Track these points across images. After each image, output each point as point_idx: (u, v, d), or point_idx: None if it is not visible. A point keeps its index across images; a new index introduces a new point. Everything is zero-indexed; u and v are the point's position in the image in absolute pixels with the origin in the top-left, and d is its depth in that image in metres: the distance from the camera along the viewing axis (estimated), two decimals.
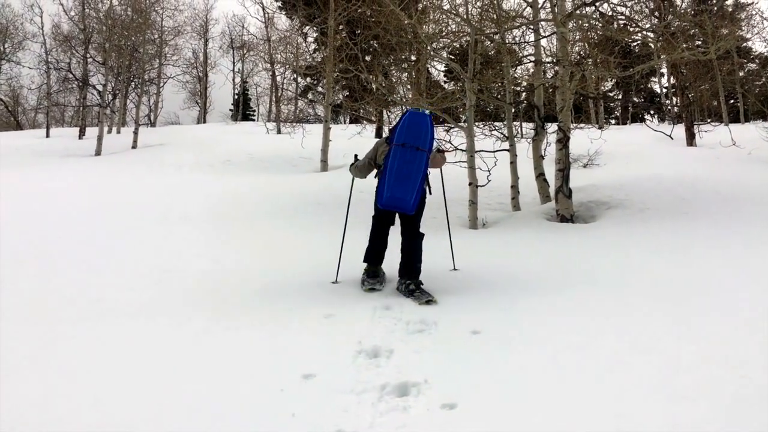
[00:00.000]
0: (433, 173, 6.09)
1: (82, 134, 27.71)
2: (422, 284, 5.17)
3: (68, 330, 4.22)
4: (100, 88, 24.25)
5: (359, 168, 5.76)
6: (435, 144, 5.70)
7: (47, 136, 29.26)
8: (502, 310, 4.52)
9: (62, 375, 3.44)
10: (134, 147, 22.73)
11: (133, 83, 29.32)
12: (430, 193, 5.55)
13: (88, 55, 25.60)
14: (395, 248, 5.46)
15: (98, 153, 20.99)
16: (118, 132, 30.41)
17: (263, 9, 28.85)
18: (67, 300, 5.01)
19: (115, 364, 3.58)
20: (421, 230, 5.52)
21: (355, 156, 5.94)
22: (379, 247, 5.51)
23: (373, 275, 5.36)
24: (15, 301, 4.98)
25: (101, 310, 4.72)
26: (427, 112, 5.77)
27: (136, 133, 23.48)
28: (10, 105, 43.58)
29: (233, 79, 47.58)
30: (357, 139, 15.63)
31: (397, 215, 5.51)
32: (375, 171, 5.62)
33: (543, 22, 10.60)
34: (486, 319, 4.28)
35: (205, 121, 45.09)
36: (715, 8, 13.55)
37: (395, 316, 4.45)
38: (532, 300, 4.79)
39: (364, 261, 5.46)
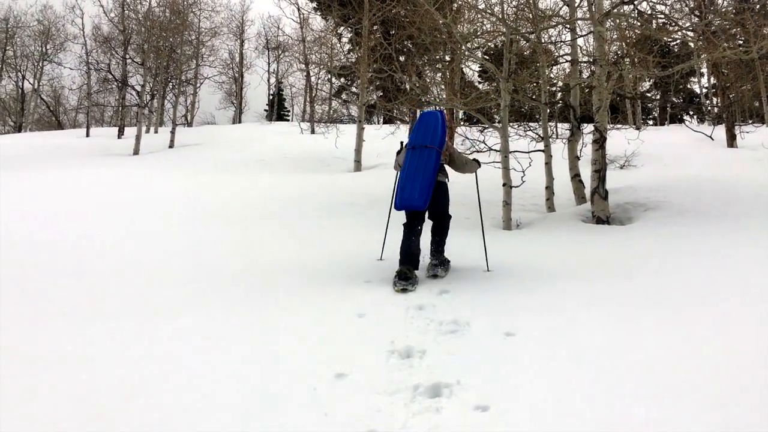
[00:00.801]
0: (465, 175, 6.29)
1: (120, 134, 28.29)
2: (445, 261, 5.80)
3: (109, 325, 4.30)
4: (138, 88, 24.74)
5: (398, 163, 6.14)
6: (461, 149, 6.04)
7: (87, 135, 29.96)
8: (536, 312, 4.47)
9: (101, 370, 3.51)
10: (171, 146, 23.14)
11: (170, 84, 29.80)
12: (449, 180, 5.99)
13: (127, 56, 26.09)
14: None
15: (136, 152, 21.41)
16: (156, 132, 30.99)
17: (298, 10, 29.01)
18: (101, 297, 5.11)
19: (144, 360, 3.63)
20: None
21: (401, 143, 6.29)
22: (410, 249, 5.58)
23: (404, 277, 5.29)
24: (51, 298, 5.10)
25: (138, 308, 4.80)
26: (440, 109, 6.16)
27: (173, 132, 23.91)
28: (52, 105, 44.76)
29: (268, 80, 48.07)
30: (390, 140, 15.65)
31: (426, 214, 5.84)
32: None
33: (580, 21, 10.48)
34: (520, 320, 4.23)
35: (240, 121, 45.65)
36: (758, 6, 13.22)
37: (428, 317, 4.43)
38: (566, 302, 4.73)
39: (400, 264, 5.44)
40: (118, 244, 7.40)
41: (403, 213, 5.80)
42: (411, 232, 5.66)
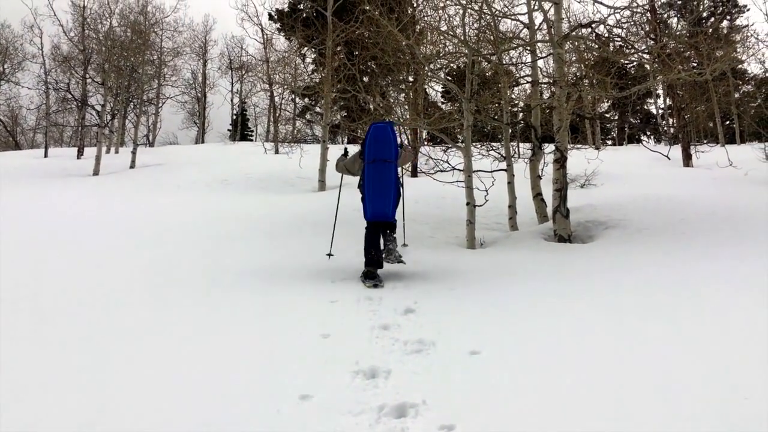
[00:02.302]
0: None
1: (80, 154, 27.81)
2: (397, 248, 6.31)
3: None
4: (98, 108, 24.38)
5: (346, 166, 6.89)
6: (400, 143, 6.62)
7: (45, 156, 29.34)
8: (500, 330, 4.49)
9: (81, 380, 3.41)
10: (132, 167, 22.80)
11: (131, 103, 29.45)
12: (402, 188, 6.70)
13: (87, 76, 25.74)
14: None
15: (96, 173, 21.04)
16: (117, 152, 30.53)
17: (262, 30, 29.23)
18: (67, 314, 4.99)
19: (113, 379, 3.55)
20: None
21: (345, 149, 6.96)
22: (376, 251, 6.34)
23: (372, 276, 6.16)
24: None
25: (100, 329, 4.69)
26: (388, 121, 6.84)
27: (134, 153, 23.57)
28: (9, 125, 43.80)
29: (232, 100, 47.92)
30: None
31: None
32: (359, 180, 6.62)
33: (540, 44, 10.69)
34: (484, 339, 4.25)
35: (203, 141, 45.32)
36: (711, 30, 13.66)
37: (393, 336, 4.42)
38: (530, 320, 4.76)
39: (366, 266, 6.28)
40: (71, 265, 7.25)
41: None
42: (373, 240, 6.40)
